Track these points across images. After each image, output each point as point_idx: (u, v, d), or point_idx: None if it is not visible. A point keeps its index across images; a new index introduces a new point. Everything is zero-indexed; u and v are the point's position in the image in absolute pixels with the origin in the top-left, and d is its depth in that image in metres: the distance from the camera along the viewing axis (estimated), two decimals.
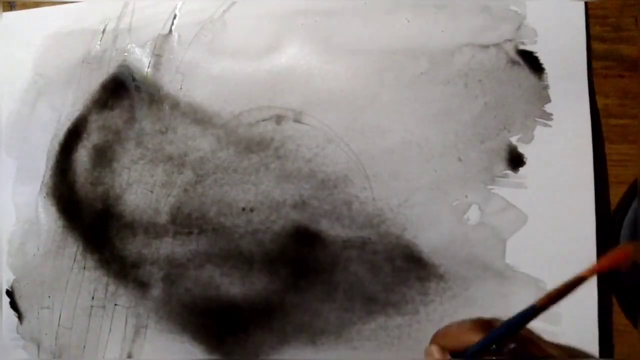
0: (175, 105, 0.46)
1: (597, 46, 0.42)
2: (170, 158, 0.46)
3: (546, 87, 0.41)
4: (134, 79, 0.47)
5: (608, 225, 0.40)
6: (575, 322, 0.39)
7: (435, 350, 0.34)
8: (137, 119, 0.47)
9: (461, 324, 0.35)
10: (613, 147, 0.41)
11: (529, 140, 0.41)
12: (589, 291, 0.39)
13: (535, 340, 0.34)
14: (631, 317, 0.39)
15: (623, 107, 0.41)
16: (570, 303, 0.38)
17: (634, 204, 0.39)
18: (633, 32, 0.42)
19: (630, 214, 0.39)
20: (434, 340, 0.35)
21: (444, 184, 0.41)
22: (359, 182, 0.43)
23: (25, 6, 0.51)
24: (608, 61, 0.42)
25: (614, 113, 0.41)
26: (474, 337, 0.33)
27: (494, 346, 0.32)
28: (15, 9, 0.52)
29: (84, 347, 0.45)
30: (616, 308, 0.40)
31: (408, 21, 0.44)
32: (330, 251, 0.43)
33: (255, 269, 0.43)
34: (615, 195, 0.41)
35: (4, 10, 0.51)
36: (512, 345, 0.32)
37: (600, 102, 0.41)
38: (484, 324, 0.33)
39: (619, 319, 0.39)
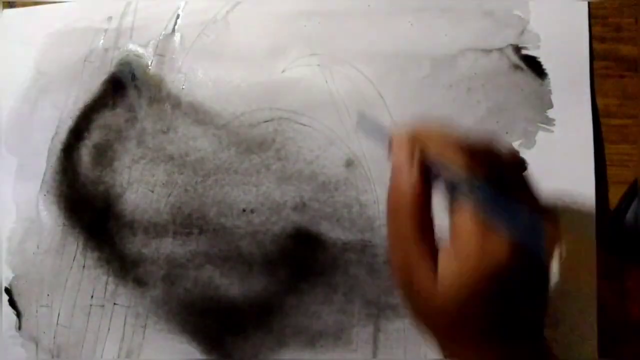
0: (176, 105, 0.46)
1: (597, 46, 0.42)
2: (171, 158, 0.46)
3: (549, 93, 0.41)
4: (135, 78, 0.47)
5: (608, 226, 0.40)
6: (575, 322, 0.39)
7: (406, 149, 0.29)
8: (139, 119, 0.47)
9: (448, 135, 0.29)
10: (613, 147, 0.41)
11: (530, 145, 0.41)
12: (589, 291, 0.39)
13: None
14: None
15: (623, 107, 0.42)
16: (570, 303, 0.39)
17: (634, 204, 0.39)
18: (633, 32, 0.42)
19: (630, 214, 0.39)
20: (413, 133, 0.30)
21: None
22: (360, 185, 0.43)
23: (25, 5, 0.51)
24: (608, 61, 0.42)
25: (614, 113, 0.41)
26: (458, 160, 0.28)
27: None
28: (15, 7, 0.51)
29: (83, 346, 0.45)
30: (616, 307, 0.40)
31: (411, 24, 0.44)
32: (330, 253, 0.43)
33: (255, 270, 0.43)
34: (615, 195, 0.41)
35: (4, 7, 0.51)
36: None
37: (600, 102, 0.42)
38: (476, 154, 0.29)
39: (619, 319, 0.39)
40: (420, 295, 0.30)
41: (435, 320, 0.31)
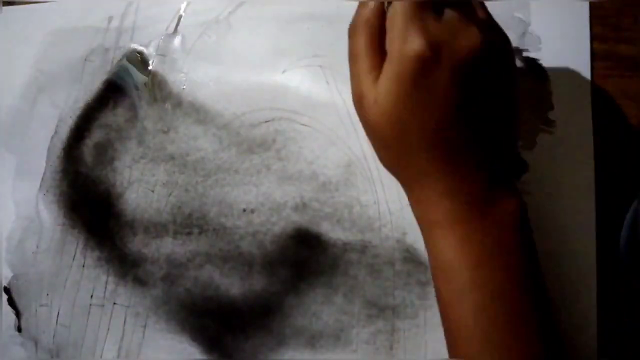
0: (177, 104, 0.46)
1: (597, 46, 0.42)
2: (171, 157, 0.46)
3: (549, 94, 0.41)
4: (136, 78, 0.47)
5: (608, 226, 0.40)
6: (575, 323, 0.39)
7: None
8: (139, 118, 0.47)
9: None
10: (613, 147, 0.41)
11: (531, 146, 0.41)
12: (589, 291, 0.39)
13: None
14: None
15: (623, 107, 0.42)
16: (570, 303, 0.39)
17: (634, 204, 0.39)
18: (633, 32, 0.42)
19: (630, 214, 0.39)
20: None
21: None
22: (361, 185, 0.43)
23: (24, 3, 0.51)
24: (608, 61, 0.42)
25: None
26: None
27: None
28: (14, 5, 0.51)
29: (82, 345, 0.45)
30: (615, 308, 0.40)
31: None
32: (330, 254, 0.43)
33: (255, 270, 0.43)
34: (615, 195, 0.41)
35: (3, 5, 0.51)
36: None
37: (600, 102, 0.42)
38: None
39: (619, 318, 0.40)
40: (364, 105, 0.32)
41: (376, 131, 0.33)
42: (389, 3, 0.31)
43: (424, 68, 0.29)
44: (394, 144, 0.32)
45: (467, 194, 0.32)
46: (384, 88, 0.31)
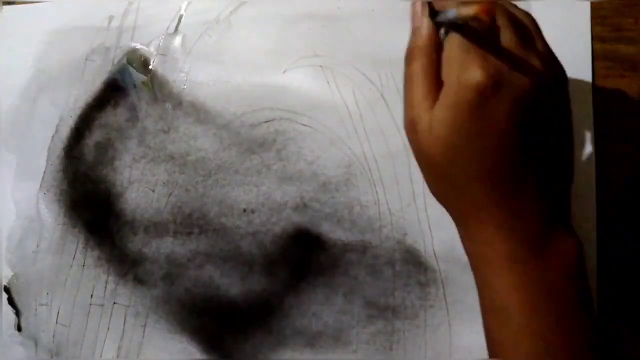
0: (178, 104, 0.46)
1: (597, 46, 0.42)
2: (172, 157, 0.46)
3: None
4: (136, 78, 0.47)
5: (608, 226, 0.40)
6: None
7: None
8: (140, 118, 0.47)
9: None
10: (613, 147, 0.41)
11: None
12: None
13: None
14: None
15: (623, 107, 0.42)
16: None
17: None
18: (633, 32, 0.42)
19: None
20: None
21: None
22: (361, 186, 0.43)
23: (25, 2, 0.51)
24: (608, 61, 0.42)
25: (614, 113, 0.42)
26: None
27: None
28: (14, 5, 0.51)
29: (82, 345, 0.45)
30: (616, 308, 0.40)
31: None
32: (330, 254, 0.43)
33: (255, 270, 0.43)
34: (616, 195, 0.41)
35: (4, 5, 0.51)
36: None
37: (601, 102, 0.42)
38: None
39: (619, 319, 0.40)
40: (418, 131, 0.32)
41: (429, 158, 0.32)
42: (446, 32, 0.31)
43: (482, 98, 0.29)
44: (447, 172, 0.31)
45: (523, 231, 0.30)
46: (440, 115, 0.30)
